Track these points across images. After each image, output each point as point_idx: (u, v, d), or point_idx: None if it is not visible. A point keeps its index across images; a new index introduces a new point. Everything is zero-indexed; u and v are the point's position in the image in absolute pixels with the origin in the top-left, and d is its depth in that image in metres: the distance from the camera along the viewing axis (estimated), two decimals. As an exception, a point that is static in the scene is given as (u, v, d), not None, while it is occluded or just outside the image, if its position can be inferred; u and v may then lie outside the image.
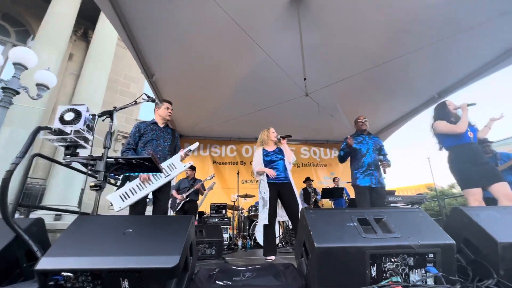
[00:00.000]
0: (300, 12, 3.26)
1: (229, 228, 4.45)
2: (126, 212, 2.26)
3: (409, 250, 1.05)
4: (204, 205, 4.81)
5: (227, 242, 4.09)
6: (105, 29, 8.23)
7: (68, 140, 1.28)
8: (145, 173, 2.18)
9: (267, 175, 2.77)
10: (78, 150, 1.37)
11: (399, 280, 1.00)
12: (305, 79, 3.86)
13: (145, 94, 2.02)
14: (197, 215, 4.73)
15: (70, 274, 0.85)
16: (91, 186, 1.36)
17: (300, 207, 2.63)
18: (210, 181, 4.68)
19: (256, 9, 3.11)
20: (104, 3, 2.71)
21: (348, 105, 5.15)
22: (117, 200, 2.08)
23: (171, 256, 0.90)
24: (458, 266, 1.16)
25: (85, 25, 9.20)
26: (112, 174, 1.58)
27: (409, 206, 4.01)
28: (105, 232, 1.01)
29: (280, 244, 4.14)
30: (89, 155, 1.46)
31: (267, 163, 2.85)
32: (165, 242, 0.97)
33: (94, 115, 1.46)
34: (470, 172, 2.27)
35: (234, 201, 4.81)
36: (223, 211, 4.59)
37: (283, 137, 2.98)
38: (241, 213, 5.16)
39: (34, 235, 1.06)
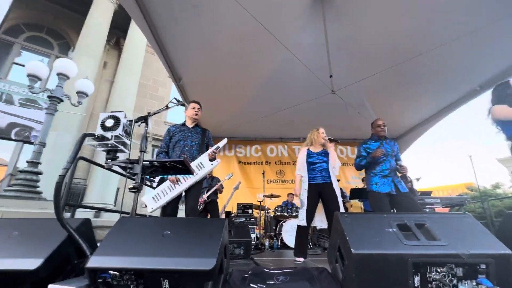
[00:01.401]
0: (325, 7, 3.17)
1: (256, 228, 4.47)
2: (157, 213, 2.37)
3: (457, 260, 0.97)
4: (230, 204, 4.88)
5: (254, 242, 4.12)
6: (135, 37, 8.70)
7: (109, 145, 1.37)
8: (174, 175, 2.26)
9: (308, 177, 2.73)
10: (117, 154, 1.46)
11: (447, 291, 0.93)
12: (331, 76, 3.75)
13: (175, 99, 2.09)
14: (223, 215, 4.82)
15: (116, 273, 0.91)
16: (130, 188, 1.44)
17: (341, 207, 2.56)
18: (233, 181, 4.72)
19: (279, 7, 3.09)
20: (135, 13, 2.86)
21: (377, 101, 4.91)
22: (150, 201, 2.19)
23: (208, 259, 0.92)
24: (514, 278, 1.05)
25: (117, 34, 9.80)
26: (148, 176, 1.66)
27: (453, 211, 3.72)
28: (145, 233, 1.07)
29: (308, 245, 4.07)
30: (127, 159, 1.55)
31: (308, 165, 2.81)
32: (201, 245, 1.00)
33: (131, 121, 1.55)
34: None
35: (260, 201, 4.82)
36: (250, 211, 4.62)
37: (330, 140, 2.90)
38: (267, 213, 5.17)
39: (83, 234, 1.15)
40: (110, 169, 1.51)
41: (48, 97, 4.59)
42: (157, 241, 1.01)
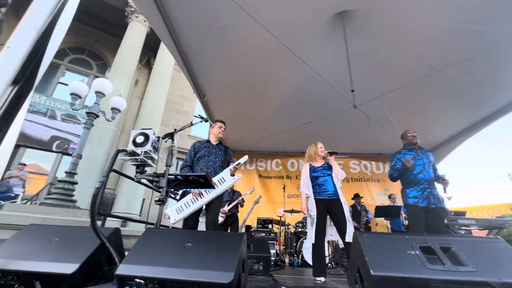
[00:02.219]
0: (345, 22, 3.21)
1: (276, 244, 4.40)
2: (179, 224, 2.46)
3: (487, 288, 0.91)
4: (250, 218, 4.88)
5: (274, 258, 4.05)
6: (164, 57, 9.33)
7: (139, 160, 1.49)
8: (197, 189, 2.36)
9: (313, 192, 2.71)
10: (146, 168, 1.58)
11: (476, 322, 0.87)
12: (352, 90, 3.73)
13: (199, 116, 2.23)
14: (243, 229, 4.82)
15: (142, 281, 0.98)
16: (156, 201, 1.53)
17: (349, 224, 2.49)
18: (253, 195, 4.74)
19: (299, 25, 3.17)
20: (165, 36, 3.11)
21: (402, 115, 4.76)
22: (173, 213, 2.29)
23: (226, 272, 0.95)
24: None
25: (148, 54, 10.59)
26: (172, 189, 1.76)
27: (485, 235, 3.41)
28: (169, 245, 1.13)
29: (329, 264, 3.92)
30: (154, 173, 1.66)
31: (313, 179, 2.80)
32: (220, 258, 1.03)
33: (158, 137, 1.67)
34: None
35: (280, 216, 4.77)
36: (270, 226, 4.58)
37: (330, 153, 2.89)
38: (288, 228, 5.08)
39: (113, 242, 1.25)
40: (139, 182, 1.62)
41: (86, 113, 5.04)
42: (179, 252, 1.07)
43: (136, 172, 1.52)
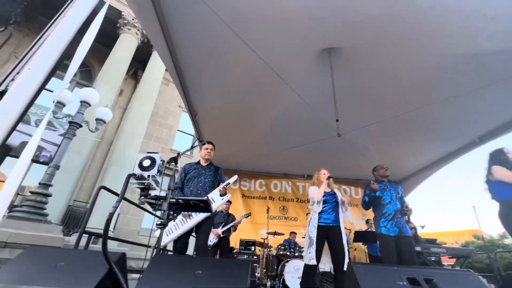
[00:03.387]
0: (332, 58, 3.51)
1: (258, 267, 4.38)
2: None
3: (464, 317, 1.05)
4: (232, 239, 4.84)
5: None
6: (154, 70, 9.34)
7: (146, 184, 1.53)
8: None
9: (319, 216, 2.78)
10: (150, 191, 1.61)
11: None
12: (337, 120, 4.01)
13: (199, 140, 2.30)
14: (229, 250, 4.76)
15: (153, 309, 1.00)
16: (157, 224, 1.55)
17: (346, 253, 2.60)
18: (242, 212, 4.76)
19: (290, 57, 3.42)
20: (166, 58, 3.21)
21: (381, 146, 5.13)
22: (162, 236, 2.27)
23: (237, 300, 1.01)
24: None
25: (136, 66, 10.53)
26: (172, 212, 1.79)
27: (454, 262, 3.69)
28: (180, 272, 1.16)
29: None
30: (155, 195, 1.69)
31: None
32: (231, 285, 1.09)
33: (163, 161, 1.72)
34: None
35: (264, 239, 4.78)
36: (252, 248, 4.57)
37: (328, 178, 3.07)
38: (269, 251, 5.08)
39: (120, 267, 1.24)
40: (139, 205, 1.64)
41: (69, 122, 4.87)
42: (190, 280, 1.11)
43: (141, 195, 1.55)
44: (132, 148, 7.54)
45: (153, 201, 1.60)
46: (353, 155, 5.30)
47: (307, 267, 2.64)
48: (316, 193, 2.84)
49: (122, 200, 1.64)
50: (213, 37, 3.09)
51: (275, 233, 5.01)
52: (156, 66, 9.11)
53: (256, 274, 4.10)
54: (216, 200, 2.45)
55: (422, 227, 4.51)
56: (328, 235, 2.70)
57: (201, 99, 4.18)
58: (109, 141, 9.17)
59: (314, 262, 2.58)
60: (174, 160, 1.79)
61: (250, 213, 4.62)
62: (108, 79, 7.68)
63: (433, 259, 3.78)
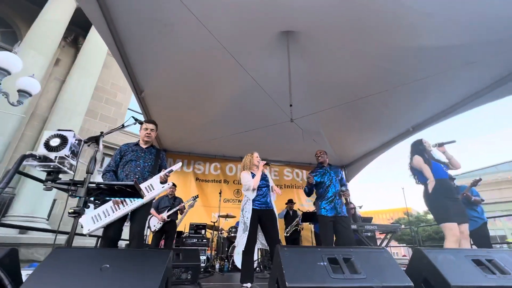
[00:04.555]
0: (290, 41, 3.47)
1: (207, 249, 4.37)
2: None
3: (372, 291, 1.13)
4: (183, 224, 4.72)
5: (204, 265, 4.01)
6: (97, 38, 8.20)
7: (51, 166, 1.29)
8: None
9: (253, 201, 2.77)
10: (61, 175, 1.38)
11: (362, 321, 1.07)
12: (291, 105, 4.04)
13: (133, 117, 2.06)
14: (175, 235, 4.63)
15: (42, 312, 0.85)
16: (69, 213, 1.35)
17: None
18: (194, 202, 4.63)
19: (246, 36, 3.27)
20: (98, 20, 2.77)
21: (331, 132, 5.40)
22: (88, 222, 2.04)
23: (146, 295, 0.92)
24: (417, 305, 1.25)
25: (76, 32, 9.14)
26: (93, 199, 1.58)
27: (384, 237, 4.16)
28: (82, 267, 1.01)
29: (258, 268, 4.11)
30: (70, 180, 1.47)
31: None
32: (141, 279, 0.99)
33: (80, 141, 1.48)
34: (447, 207, 2.39)
35: (214, 222, 4.76)
36: (203, 231, 4.52)
37: (266, 164, 3.05)
38: (221, 233, 5.10)
39: (7, 266, 1.03)
40: (48, 190, 1.40)
41: (-19, 93, 4.03)
42: (94, 275, 0.97)
43: (46, 180, 1.31)
44: (71, 126, 6.65)
45: (64, 187, 1.38)
46: (305, 140, 5.48)
47: (243, 253, 2.66)
48: (252, 180, 2.82)
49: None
50: (156, 5, 2.75)
51: (227, 216, 5.03)
52: (100, 34, 8.03)
53: (204, 257, 4.09)
54: (156, 187, 2.26)
55: (360, 207, 4.96)
56: (261, 219, 2.74)
57: (147, 75, 3.80)
58: (42, 118, 7.98)
59: (243, 247, 2.59)
60: (95, 140, 1.56)
61: (197, 195, 4.51)
62: (37, 44, 6.51)
63: (368, 234, 4.22)
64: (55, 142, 1.32)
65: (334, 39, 3.28)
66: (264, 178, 2.91)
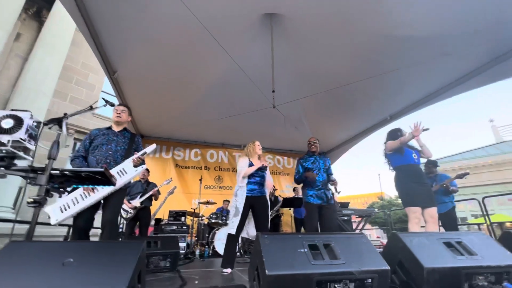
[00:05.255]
0: (273, 25, 3.35)
1: (187, 236, 4.32)
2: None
3: (351, 276, 1.14)
4: (162, 211, 4.60)
5: (184, 251, 3.97)
6: (63, 11, 7.47)
7: (4, 151, 1.14)
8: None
9: (247, 188, 2.74)
10: (16, 161, 1.23)
11: (340, 305, 1.09)
12: (273, 91, 3.96)
13: (103, 99, 1.89)
14: (153, 222, 4.51)
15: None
16: (28, 202, 1.22)
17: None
18: (169, 186, 4.49)
19: (228, 18, 3.12)
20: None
21: (312, 119, 5.42)
22: (55, 211, 1.89)
23: (115, 290, 0.85)
24: (391, 287, 1.29)
25: (38, 3, 8.23)
26: (57, 186, 1.44)
27: (359, 220, 4.34)
28: (41, 263, 0.91)
29: (238, 253, 4.14)
30: (29, 166, 1.32)
31: (248, 176, 2.83)
32: (110, 273, 0.91)
33: (39, 123, 1.32)
34: (413, 191, 2.52)
35: (194, 209, 4.69)
36: (182, 218, 4.45)
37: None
38: (201, 220, 5.06)
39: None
40: (2, 177, 1.25)
41: None
42: (55, 271, 0.88)
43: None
44: (35, 108, 6.11)
45: (22, 174, 1.23)
46: (287, 127, 5.47)
47: (230, 236, 2.67)
48: (246, 168, 2.79)
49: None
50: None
51: (207, 203, 4.98)
52: (67, 7, 7.30)
53: (184, 243, 4.05)
54: (129, 171, 2.13)
55: (338, 192, 5.09)
56: (254, 205, 2.74)
57: (120, 54, 3.52)
58: (3, 99, 7.26)
59: (234, 231, 2.62)
60: (58, 122, 1.40)
61: (171, 178, 4.38)
62: (-8, 15, 5.79)
63: (345, 218, 4.38)
64: (7, 123, 1.15)
65: (317, 25, 3.22)
66: (261, 169, 2.87)
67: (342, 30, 3.22)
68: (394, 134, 2.84)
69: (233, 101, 4.81)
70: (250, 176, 2.81)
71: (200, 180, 5.13)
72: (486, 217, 4.02)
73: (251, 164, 2.89)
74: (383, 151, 2.94)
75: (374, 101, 4.66)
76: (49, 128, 1.39)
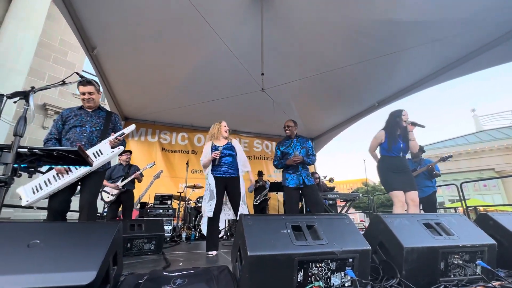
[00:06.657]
0: (264, 5, 3.21)
1: (174, 219, 4.30)
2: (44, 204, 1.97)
3: (333, 256, 1.15)
4: (147, 195, 4.54)
5: (170, 234, 3.97)
6: (36, -19, 6.90)
7: (-42, 125, 1.03)
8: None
9: (212, 169, 2.70)
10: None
11: (321, 284, 1.09)
12: (262, 74, 3.88)
13: (77, 73, 1.75)
14: (138, 206, 4.45)
15: None
16: (-7, 182, 1.13)
17: (241, 204, 2.66)
18: (153, 170, 4.39)
19: (217, -4, 2.95)
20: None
21: (301, 103, 5.37)
22: (27, 192, 1.79)
23: (86, 272, 0.79)
24: (372, 266, 1.32)
25: (8, -29, 7.53)
26: (25, 166, 1.35)
27: (344, 204, 4.45)
28: (4, 244, 0.84)
29: (224, 236, 4.18)
30: (-8, 144, 1.21)
31: (214, 159, 2.76)
32: (80, 255, 0.86)
33: (1, 96, 1.20)
34: (392, 179, 2.64)
35: (181, 192, 4.64)
36: (169, 202, 4.40)
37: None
38: (188, 203, 5.04)
39: None
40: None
41: None
42: (19, 254, 0.81)
43: (-45, 143, 1.05)
44: (9, 86, 5.72)
45: (-17, 151, 1.13)
46: (275, 112, 5.41)
47: (209, 219, 2.65)
48: (207, 157, 2.73)
49: None
50: None
51: (194, 187, 4.94)
52: (41, -24, 6.71)
53: (170, 227, 4.03)
54: (105, 152, 2.02)
55: (330, 181, 5.20)
56: (227, 186, 2.72)
57: (100, 29, 3.29)
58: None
59: (211, 215, 2.58)
60: (24, 95, 1.28)
61: (154, 162, 4.30)
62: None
63: (330, 202, 4.48)
64: (-38, 95, 1.04)
65: (308, 8, 3.11)
66: (229, 148, 2.81)
67: (333, 13, 3.13)
68: (393, 119, 2.79)
69: (222, 84, 4.67)
70: (219, 159, 2.72)
71: (187, 164, 5.05)
72: (463, 202, 4.21)
73: (215, 148, 2.77)
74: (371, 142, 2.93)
75: (363, 87, 4.65)
76: (14, 102, 1.27)
